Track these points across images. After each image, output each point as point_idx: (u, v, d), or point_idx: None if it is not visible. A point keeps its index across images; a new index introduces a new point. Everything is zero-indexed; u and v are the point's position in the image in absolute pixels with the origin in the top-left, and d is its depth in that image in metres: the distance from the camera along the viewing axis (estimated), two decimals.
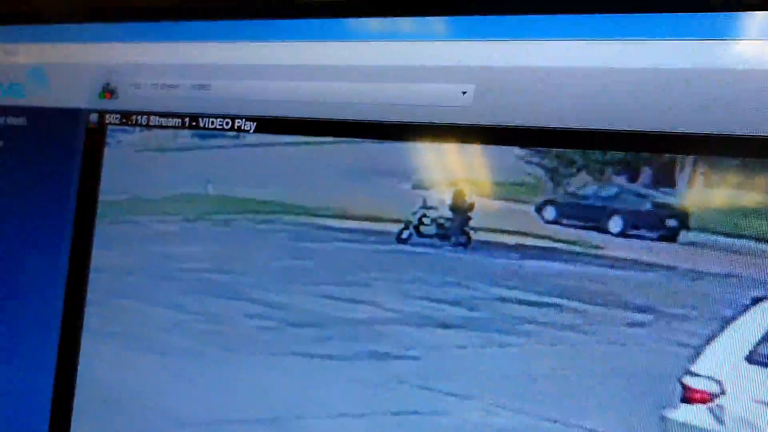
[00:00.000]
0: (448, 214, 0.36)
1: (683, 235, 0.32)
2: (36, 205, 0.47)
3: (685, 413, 0.31)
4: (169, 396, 0.42)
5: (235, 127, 0.41)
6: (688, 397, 0.31)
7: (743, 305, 0.30)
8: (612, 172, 0.33)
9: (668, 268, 0.32)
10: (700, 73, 0.31)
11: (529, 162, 0.34)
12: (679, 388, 0.31)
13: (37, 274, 0.46)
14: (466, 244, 0.35)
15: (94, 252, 0.45)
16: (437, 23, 0.37)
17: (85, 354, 0.44)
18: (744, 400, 0.30)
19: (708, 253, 0.31)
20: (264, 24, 0.41)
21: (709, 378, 0.31)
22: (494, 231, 0.35)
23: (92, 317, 0.44)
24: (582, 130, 0.33)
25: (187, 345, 0.42)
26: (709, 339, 0.31)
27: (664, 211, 0.32)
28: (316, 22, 0.39)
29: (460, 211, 0.36)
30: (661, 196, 0.32)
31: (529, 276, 0.34)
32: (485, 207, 0.35)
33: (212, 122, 0.41)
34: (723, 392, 0.31)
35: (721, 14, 0.31)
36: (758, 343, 0.30)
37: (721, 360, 0.31)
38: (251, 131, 0.41)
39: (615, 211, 0.33)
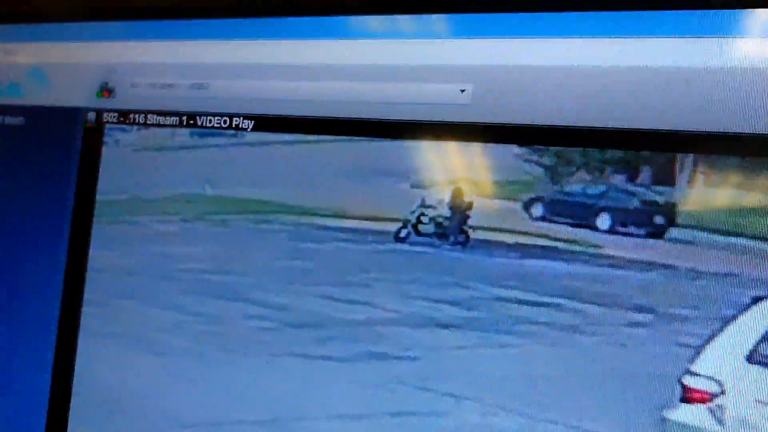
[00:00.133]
0: (447, 213, 0.36)
1: (672, 232, 0.32)
2: (34, 204, 0.47)
3: (684, 413, 0.31)
4: (168, 397, 0.42)
5: (233, 126, 0.41)
6: (688, 397, 0.31)
7: (743, 305, 0.30)
8: (610, 170, 0.33)
9: (667, 267, 0.32)
10: (699, 71, 0.31)
11: (527, 160, 0.34)
12: (678, 388, 0.31)
13: (34, 273, 0.46)
14: (465, 243, 0.35)
15: (92, 252, 0.45)
16: (435, 22, 0.36)
17: (83, 354, 0.44)
18: (744, 400, 0.30)
19: (705, 252, 0.31)
20: (262, 23, 0.40)
21: (709, 378, 0.31)
22: (493, 230, 0.35)
23: (90, 317, 0.44)
24: (580, 128, 0.33)
25: (186, 345, 0.41)
26: (709, 339, 0.31)
27: (652, 208, 0.32)
28: (313, 21, 0.39)
29: (459, 210, 0.36)
30: (649, 194, 0.32)
31: (528, 275, 0.34)
32: (484, 206, 0.35)
33: (210, 121, 0.41)
34: (723, 392, 0.31)
35: (721, 12, 0.31)
36: (758, 343, 0.30)
37: (721, 360, 0.31)
38: (249, 130, 0.40)
39: (603, 209, 0.33)
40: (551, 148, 0.34)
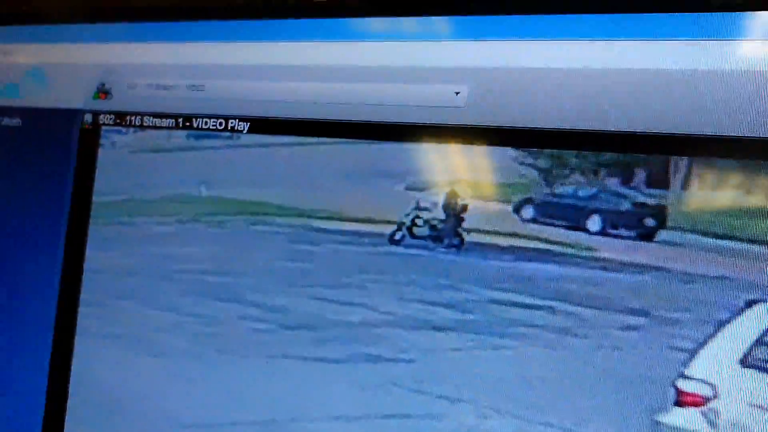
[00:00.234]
0: (441, 215, 0.36)
1: (664, 234, 0.32)
2: (31, 205, 0.47)
3: (678, 417, 0.31)
4: (164, 398, 0.42)
5: (229, 128, 0.41)
6: (681, 400, 0.31)
7: (736, 308, 0.30)
8: (605, 173, 0.33)
9: (660, 269, 0.32)
10: (697, 74, 0.31)
11: (522, 163, 0.34)
12: (672, 391, 0.31)
13: (31, 274, 0.46)
14: (460, 245, 0.35)
15: (89, 253, 0.45)
16: (431, 23, 0.36)
17: (80, 355, 0.44)
18: (738, 403, 0.30)
19: (698, 254, 0.31)
20: (258, 25, 0.40)
21: (703, 381, 0.31)
22: (487, 233, 0.35)
23: (87, 318, 0.44)
24: (576, 131, 0.33)
25: (182, 346, 0.41)
26: (703, 342, 0.31)
27: (643, 210, 0.32)
28: (309, 23, 0.39)
29: (454, 213, 0.36)
30: (641, 196, 0.32)
31: (523, 278, 0.34)
32: (478, 209, 0.35)
33: (206, 123, 0.41)
34: (716, 396, 0.31)
35: (718, 14, 0.31)
36: (752, 347, 0.30)
37: (715, 363, 0.31)
38: (245, 132, 0.40)
39: (593, 211, 0.33)
40: (546, 150, 0.34)
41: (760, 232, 0.30)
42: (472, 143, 0.35)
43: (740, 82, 0.31)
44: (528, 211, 0.34)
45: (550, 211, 0.34)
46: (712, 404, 0.31)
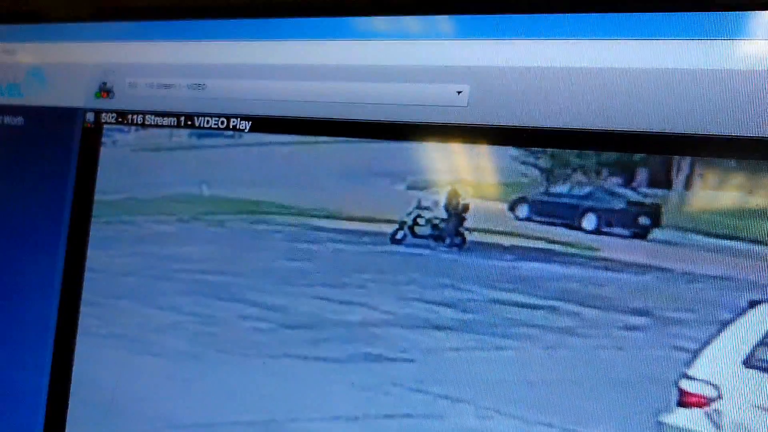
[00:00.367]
0: (443, 214, 0.36)
1: (665, 234, 0.31)
2: (32, 204, 0.47)
3: (681, 417, 0.31)
4: (164, 397, 0.42)
5: (231, 127, 0.41)
6: (685, 401, 0.31)
7: (740, 308, 0.30)
8: (606, 173, 0.33)
9: (663, 270, 0.31)
10: (699, 73, 0.31)
11: (524, 162, 0.34)
12: (675, 392, 0.31)
13: (32, 273, 0.46)
14: (461, 245, 0.35)
15: (90, 252, 0.45)
16: (432, 23, 0.36)
17: (81, 355, 0.44)
18: (741, 404, 0.30)
19: (702, 255, 0.31)
20: (259, 24, 0.40)
21: (706, 382, 0.30)
22: (489, 232, 0.35)
23: (87, 318, 0.44)
24: (578, 130, 0.33)
25: (183, 346, 0.41)
26: (706, 343, 0.31)
27: (643, 209, 0.32)
28: (310, 22, 0.39)
29: (455, 212, 0.35)
30: (640, 196, 0.32)
31: (525, 278, 0.34)
32: (480, 208, 0.35)
33: (208, 121, 0.41)
34: (720, 396, 0.30)
35: (722, 14, 0.31)
36: (755, 347, 0.30)
37: (718, 364, 0.30)
38: (246, 130, 0.40)
39: (589, 209, 0.33)
40: (548, 150, 0.34)
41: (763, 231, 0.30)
42: (473, 142, 0.35)
43: (741, 81, 0.30)
44: (522, 210, 0.34)
45: (545, 210, 0.34)
46: (715, 405, 0.30)
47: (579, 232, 0.33)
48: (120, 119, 0.44)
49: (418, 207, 0.36)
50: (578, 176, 0.33)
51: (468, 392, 0.34)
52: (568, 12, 0.33)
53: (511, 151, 0.34)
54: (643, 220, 0.32)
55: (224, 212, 0.41)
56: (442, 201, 0.36)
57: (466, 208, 0.35)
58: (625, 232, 0.32)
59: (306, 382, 0.38)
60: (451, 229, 0.35)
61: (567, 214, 0.33)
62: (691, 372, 0.31)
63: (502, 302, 0.34)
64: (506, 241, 0.34)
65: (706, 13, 0.31)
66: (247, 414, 0.39)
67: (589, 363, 0.32)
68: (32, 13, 0.47)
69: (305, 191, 0.39)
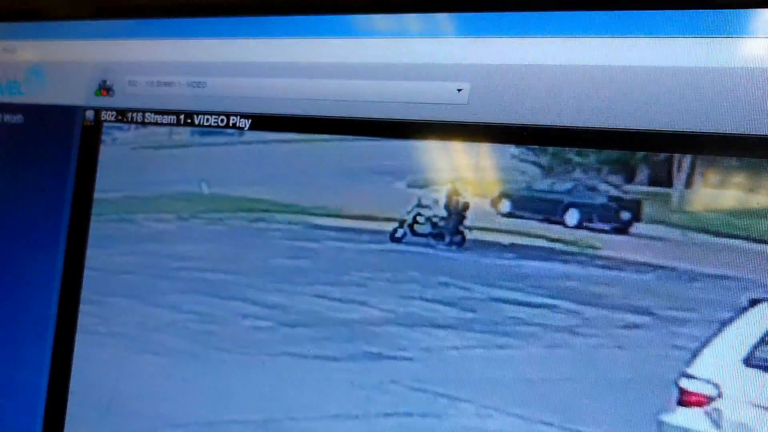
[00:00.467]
0: (443, 213, 0.36)
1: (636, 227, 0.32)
2: (32, 202, 0.47)
3: (681, 417, 0.31)
4: (163, 396, 0.42)
5: (230, 125, 0.41)
6: (685, 400, 0.31)
7: (740, 307, 0.30)
8: (607, 171, 0.33)
9: (665, 268, 0.31)
10: (701, 71, 0.31)
11: (524, 160, 0.34)
12: (675, 391, 0.31)
13: (32, 271, 0.46)
14: (461, 243, 0.35)
15: (90, 250, 0.44)
16: (433, 20, 0.36)
17: (80, 353, 0.44)
18: (741, 403, 0.30)
19: (703, 253, 0.31)
20: (259, 21, 0.40)
21: (706, 381, 0.30)
22: (489, 230, 0.35)
23: (87, 316, 0.44)
24: (578, 128, 0.33)
25: (182, 345, 0.41)
26: (706, 341, 0.30)
27: (616, 204, 0.32)
28: (310, 20, 0.39)
29: (455, 210, 0.35)
30: (614, 190, 0.32)
31: (525, 276, 0.34)
32: (480, 206, 0.35)
33: (207, 119, 0.41)
34: (720, 395, 0.30)
35: (720, 11, 0.31)
36: (755, 346, 0.30)
37: (719, 363, 0.30)
38: (246, 128, 0.40)
39: (571, 204, 0.33)
40: (549, 148, 0.34)
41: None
42: (474, 140, 0.35)
43: (742, 79, 0.30)
44: (505, 205, 0.34)
45: (528, 206, 0.34)
46: (715, 404, 0.30)
47: (560, 227, 0.33)
48: (120, 117, 0.44)
49: (418, 205, 0.36)
50: (583, 174, 0.33)
51: (467, 391, 0.34)
52: (568, 10, 0.33)
53: (512, 149, 0.34)
54: (624, 215, 0.32)
55: (224, 210, 0.41)
56: (442, 199, 0.36)
57: (466, 206, 0.35)
58: (605, 226, 0.32)
59: (305, 381, 0.38)
60: (450, 227, 0.35)
61: (548, 209, 0.33)
62: (691, 371, 0.31)
63: (502, 300, 0.34)
64: (506, 239, 0.34)
65: (707, 11, 0.31)
66: (246, 412, 0.39)
67: (588, 362, 0.32)
68: (32, 11, 0.47)
69: (305, 189, 0.39)
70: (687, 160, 0.31)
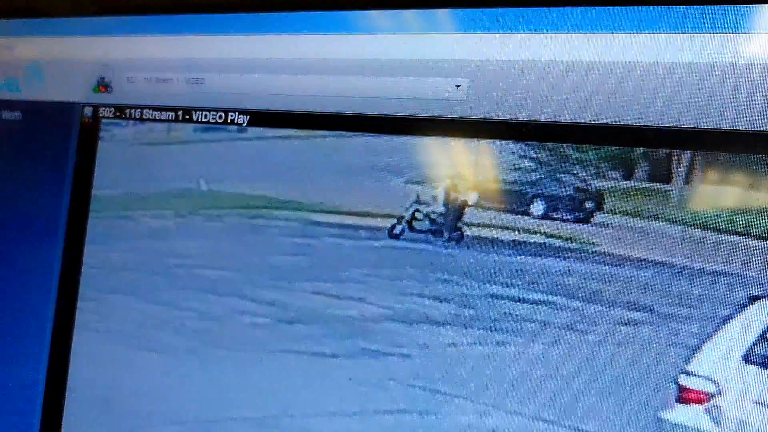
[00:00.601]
0: (441, 209, 0.36)
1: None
2: (30, 199, 0.46)
3: (681, 414, 0.31)
4: (161, 393, 0.41)
5: (229, 121, 0.41)
6: (684, 397, 0.31)
7: (740, 304, 0.30)
8: (606, 167, 0.33)
9: (664, 264, 0.31)
10: (702, 67, 0.31)
11: (523, 156, 0.34)
12: (674, 388, 0.31)
13: (30, 268, 0.46)
14: (460, 239, 0.35)
15: (88, 247, 0.44)
16: (431, 16, 0.36)
17: (78, 350, 0.44)
18: (741, 400, 0.30)
19: (702, 249, 0.31)
20: (257, 18, 0.40)
21: (706, 378, 0.30)
22: (488, 227, 0.34)
23: (85, 313, 0.44)
24: (577, 124, 0.33)
25: (181, 342, 0.41)
26: (705, 338, 0.30)
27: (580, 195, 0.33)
28: (308, 16, 0.39)
29: (454, 206, 0.35)
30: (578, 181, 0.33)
31: (523, 273, 0.34)
32: (478, 202, 0.35)
33: (206, 116, 0.41)
34: (720, 392, 0.30)
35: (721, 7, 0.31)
36: (755, 343, 0.30)
37: (718, 359, 0.30)
38: (244, 125, 0.40)
39: (536, 196, 0.33)
40: (548, 144, 0.34)
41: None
42: (472, 136, 0.35)
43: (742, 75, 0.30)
44: (472, 197, 0.34)
45: (494, 197, 0.34)
46: (715, 401, 0.30)
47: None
48: (118, 114, 0.44)
49: (417, 201, 0.36)
50: (587, 172, 0.33)
51: (466, 388, 0.34)
52: (568, 6, 0.33)
53: (511, 145, 0.34)
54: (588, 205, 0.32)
55: (222, 207, 0.41)
56: (441, 195, 0.36)
57: (464, 202, 0.35)
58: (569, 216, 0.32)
59: (303, 378, 0.38)
60: (449, 223, 0.35)
61: (516, 200, 0.34)
62: (690, 368, 0.30)
63: (501, 297, 0.34)
64: (505, 235, 0.34)
65: (708, 6, 0.31)
66: (244, 409, 0.39)
67: (587, 359, 0.32)
68: (31, 8, 0.47)
69: (303, 186, 0.39)
70: (687, 155, 0.31)
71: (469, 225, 0.35)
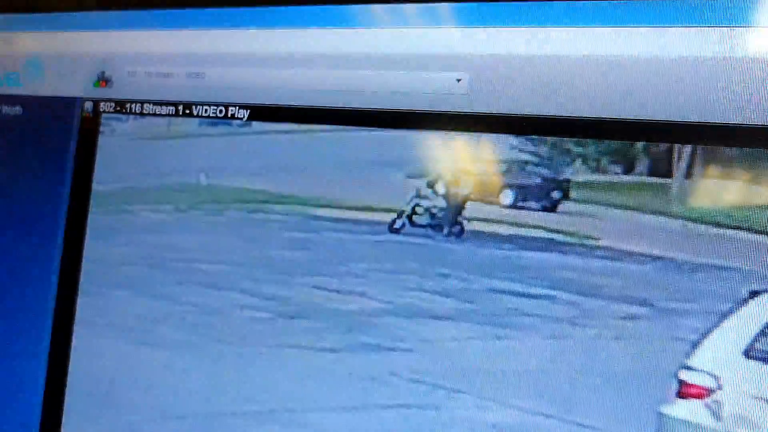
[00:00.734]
0: (442, 203, 0.36)
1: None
2: (30, 194, 0.46)
3: (681, 408, 0.31)
4: (161, 387, 0.41)
5: (229, 116, 0.41)
6: (684, 392, 0.31)
7: (740, 299, 0.30)
8: (607, 161, 0.33)
9: (666, 259, 0.31)
10: (705, 61, 0.31)
11: (523, 150, 0.34)
12: (674, 383, 0.31)
13: (30, 263, 0.46)
14: (460, 234, 0.35)
15: (88, 242, 0.44)
16: (432, 10, 0.36)
17: (78, 345, 0.44)
18: (741, 395, 0.30)
19: (703, 243, 0.31)
20: (258, 12, 0.40)
21: (706, 373, 0.30)
22: (488, 221, 0.34)
23: (85, 308, 0.44)
24: (578, 118, 0.33)
25: (181, 336, 0.41)
26: (706, 333, 0.30)
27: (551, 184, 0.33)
28: (309, 10, 0.39)
29: (454, 201, 0.35)
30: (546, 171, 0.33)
31: (523, 267, 0.34)
32: (479, 197, 0.35)
33: (206, 110, 0.41)
34: (720, 387, 0.30)
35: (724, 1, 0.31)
36: (755, 338, 0.30)
37: (718, 354, 0.30)
38: (245, 119, 0.40)
39: (505, 185, 0.34)
40: (549, 138, 0.33)
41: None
42: (473, 131, 0.35)
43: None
44: (440, 187, 0.35)
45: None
46: (715, 396, 0.30)
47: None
48: (118, 108, 0.44)
49: (417, 196, 0.36)
50: (587, 165, 0.33)
51: (466, 382, 0.34)
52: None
53: (512, 139, 0.34)
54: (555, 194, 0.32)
55: (222, 201, 0.41)
56: (441, 190, 0.36)
57: (465, 197, 0.35)
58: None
59: (303, 372, 0.38)
60: (449, 218, 0.35)
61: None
62: (690, 363, 0.30)
63: (501, 291, 0.34)
64: (505, 230, 0.34)
65: (712, 0, 0.31)
66: (244, 404, 0.39)
67: (588, 353, 0.32)
68: (31, 2, 0.47)
69: (304, 180, 0.39)
70: (686, 150, 0.31)
71: (470, 219, 0.35)
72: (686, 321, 0.31)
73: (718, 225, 0.30)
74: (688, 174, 0.31)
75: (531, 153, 0.34)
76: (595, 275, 0.32)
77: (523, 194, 0.34)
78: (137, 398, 0.42)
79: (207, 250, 0.41)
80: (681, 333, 0.31)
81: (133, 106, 0.43)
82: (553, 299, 0.33)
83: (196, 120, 0.42)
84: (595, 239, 0.33)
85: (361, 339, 0.36)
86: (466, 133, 0.35)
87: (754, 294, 0.30)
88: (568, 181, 0.33)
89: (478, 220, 0.35)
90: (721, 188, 0.31)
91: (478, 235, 0.34)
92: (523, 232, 0.34)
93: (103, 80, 0.45)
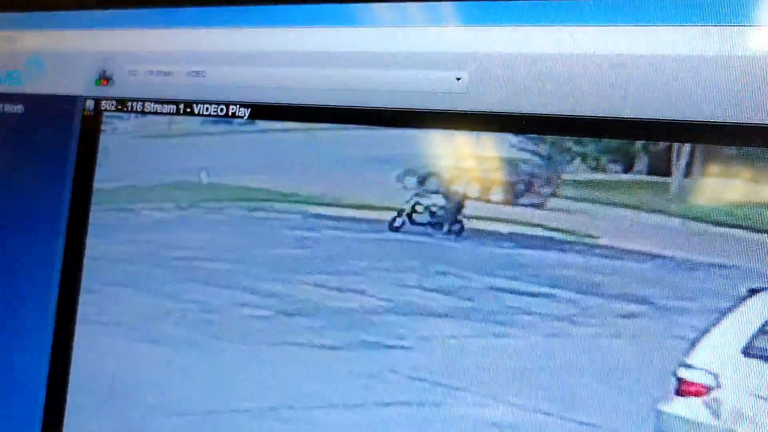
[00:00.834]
0: (442, 201, 0.36)
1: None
2: (32, 192, 0.47)
3: (680, 406, 0.31)
4: (163, 385, 0.42)
5: (230, 114, 0.41)
6: (683, 390, 0.31)
7: (739, 296, 0.30)
8: (607, 160, 0.33)
9: (666, 257, 0.31)
10: (705, 60, 0.31)
11: (523, 149, 0.34)
12: (673, 380, 0.31)
13: (31, 261, 0.46)
14: (460, 232, 0.35)
15: (89, 240, 0.44)
16: (432, 8, 0.36)
17: (80, 342, 0.44)
18: (740, 393, 0.30)
19: (704, 241, 0.31)
20: (259, 10, 0.40)
21: (705, 371, 0.30)
22: (488, 219, 0.34)
23: (87, 305, 0.44)
24: (578, 117, 0.33)
25: (182, 334, 0.41)
26: (705, 331, 0.30)
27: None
28: (310, 8, 0.39)
29: (454, 199, 0.35)
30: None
31: (523, 265, 0.34)
32: (478, 195, 0.35)
33: (207, 109, 0.41)
34: (719, 385, 0.30)
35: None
36: (754, 336, 0.30)
37: (717, 352, 0.30)
38: (245, 118, 0.40)
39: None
40: (548, 137, 0.34)
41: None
42: (472, 129, 0.35)
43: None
44: (410, 182, 0.36)
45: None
46: (714, 394, 0.30)
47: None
48: (120, 107, 0.44)
49: (417, 194, 0.36)
50: (587, 165, 0.33)
51: (466, 380, 0.34)
52: None
53: (511, 138, 0.34)
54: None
55: (223, 200, 0.41)
56: (441, 188, 0.36)
57: (464, 195, 0.35)
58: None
59: (304, 370, 0.38)
60: (449, 216, 0.35)
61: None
62: (689, 360, 0.30)
63: (501, 289, 0.34)
64: (505, 228, 0.34)
65: None
66: (245, 401, 0.39)
67: (587, 351, 0.32)
68: (32, 0, 0.47)
69: (304, 178, 0.39)
70: (686, 148, 0.31)
71: (469, 217, 0.35)
72: (685, 319, 0.31)
73: (718, 223, 0.30)
74: (688, 172, 0.31)
75: (530, 151, 0.34)
76: (595, 273, 0.32)
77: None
78: (139, 395, 0.42)
79: (208, 248, 0.41)
80: (680, 331, 0.31)
81: (134, 104, 0.43)
82: (552, 297, 0.33)
83: (197, 118, 0.42)
84: (595, 237, 0.33)
85: (361, 336, 0.37)
86: (466, 132, 0.35)
87: (753, 292, 0.30)
88: (567, 179, 0.33)
89: (478, 218, 0.35)
90: (720, 187, 0.31)
91: (477, 233, 0.35)
92: (522, 230, 0.34)
93: (104, 79, 0.45)
